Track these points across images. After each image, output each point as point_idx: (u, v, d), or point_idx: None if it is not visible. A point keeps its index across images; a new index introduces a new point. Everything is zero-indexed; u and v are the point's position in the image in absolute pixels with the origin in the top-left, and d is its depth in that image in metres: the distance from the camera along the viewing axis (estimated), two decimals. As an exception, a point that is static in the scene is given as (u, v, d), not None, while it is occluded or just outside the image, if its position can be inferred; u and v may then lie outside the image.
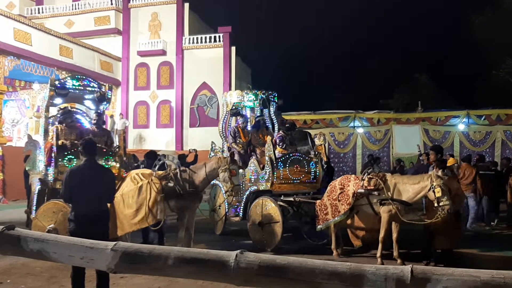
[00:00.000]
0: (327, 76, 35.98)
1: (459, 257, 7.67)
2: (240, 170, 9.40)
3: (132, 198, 7.69)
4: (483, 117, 19.80)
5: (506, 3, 24.04)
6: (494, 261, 7.56)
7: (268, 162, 8.82)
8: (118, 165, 8.32)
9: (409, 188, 7.16)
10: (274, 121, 10.80)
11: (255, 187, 9.09)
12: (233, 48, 25.85)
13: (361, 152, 20.70)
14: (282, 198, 8.81)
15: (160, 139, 25.40)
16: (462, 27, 27.45)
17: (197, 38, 26.13)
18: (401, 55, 31.03)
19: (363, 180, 7.64)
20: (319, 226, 8.16)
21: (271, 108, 10.70)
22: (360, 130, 21.02)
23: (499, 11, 24.61)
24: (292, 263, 2.25)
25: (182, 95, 25.92)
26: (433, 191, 6.75)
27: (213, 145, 10.55)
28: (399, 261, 7.18)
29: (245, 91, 10.45)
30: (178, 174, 7.86)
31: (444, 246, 7.37)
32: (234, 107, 10.55)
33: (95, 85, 8.97)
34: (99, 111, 9.15)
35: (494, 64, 25.37)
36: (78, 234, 4.82)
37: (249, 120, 10.71)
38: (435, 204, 6.75)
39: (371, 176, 7.60)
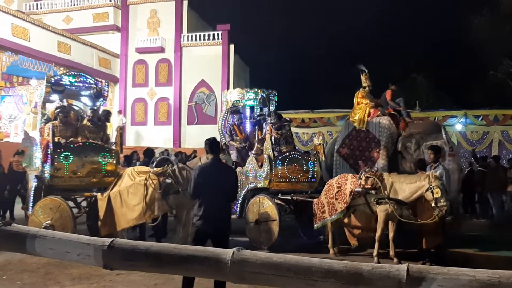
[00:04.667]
0: (325, 74, 35.99)
1: (454, 257, 7.72)
2: (238, 168, 9.42)
3: (129, 194, 7.73)
4: (481, 117, 19.84)
5: (504, 4, 24.08)
6: (489, 262, 7.58)
7: (267, 160, 8.83)
8: (114, 161, 8.33)
9: (405, 187, 7.17)
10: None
11: (253, 185, 9.09)
12: (232, 46, 25.84)
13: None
14: (279, 196, 8.83)
15: (158, 137, 25.37)
16: (460, 28, 27.46)
17: (195, 35, 26.10)
18: (399, 55, 31.03)
19: (361, 179, 7.66)
20: (316, 225, 8.17)
21: (271, 107, 10.69)
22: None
23: (497, 12, 24.65)
24: (289, 261, 2.25)
25: (180, 92, 25.90)
26: (432, 192, 6.77)
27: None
28: (395, 260, 7.20)
29: (245, 89, 10.46)
30: (176, 170, 7.87)
31: (435, 244, 7.39)
32: (234, 105, 10.54)
33: (92, 82, 8.96)
34: (95, 107, 9.15)
35: (491, 64, 25.42)
36: (203, 230, 5.03)
37: (247, 118, 10.70)
38: (433, 205, 6.76)
39: (369, 175, 7.61)
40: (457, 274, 2.13)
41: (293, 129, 19.44)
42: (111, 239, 2.45)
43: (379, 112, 9.96)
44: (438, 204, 6.69)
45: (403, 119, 9.80)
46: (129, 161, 10.08)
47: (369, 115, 9.98)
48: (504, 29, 24.03)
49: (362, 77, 10.30)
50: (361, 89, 10.36)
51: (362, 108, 10.10)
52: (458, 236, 9.22)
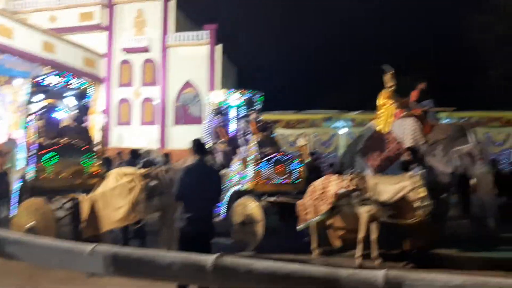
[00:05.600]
0: (313, 76, 36.07)
1: (437, 257, 7.83)
2: (223, 170, 9.44)
3: (114, 196, 7.67)
4: (464, 119, 20.10)
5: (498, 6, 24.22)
6: (470, 262, 7.69)
7: (251, 162, 8.86)
8: (98, 162, 8.29)
9: (389, 188, 7.27)
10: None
11: (238, 187, 9.11)
12: (219, 46, 25.80)
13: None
14: (264, 198, 8.86)
15: (143, 137, 25.20)
16: (449, 30, 27.71)
17: (182, 35, 26.02)
18: (388, 56, 31.25)
19: (344, 180, 7.73)
20: (300, 226, 8.22)
21: (256, 108, 10.72)
22: (343, 131, 21.19)
23: (491, 15, 24.80)
24: (269, 267, 2.28)
25: (166, 92, 25.79)
26: (416, 192, 6.86)
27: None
28: (378, 261, 7.29)
29: (231, 91, 10.48)
30: (162, 172, 7.85)
31: (418, 245, 7.49)
32: (219, 107, 10.55)
33: (77, 82, 8.89)
34: (79, 107, 9.08)
35: (483, 67, 25.60)
36: (187, 233, 5.01)
37: (232, 119, 10.71)
38: (417, 205, 6.85)
39: (352, 177, 7.69)
40: (434, 279, 2.17)
41: (280, 130, 19.62)
42: (93, 245, 2.45)
43: (404, 113, 9.65)
44: (423, 204, 6.79)
45: (428, 122, 9.47)
46: (108, 163, 9.68)
47: (394, 116, 9.70)
48: (499, 30, 24.16)
49: (387, 77, 9.90)
50: (385, 89, 9.99)
51: (387, 109, 9.77)
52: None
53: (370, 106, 26.74)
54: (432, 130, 9.23)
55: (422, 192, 6.78)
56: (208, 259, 2.31)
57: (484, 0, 24.31)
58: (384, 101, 9.87)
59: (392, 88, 9.81)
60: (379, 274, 2.18)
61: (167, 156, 11.83)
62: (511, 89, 23.13)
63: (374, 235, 7.43)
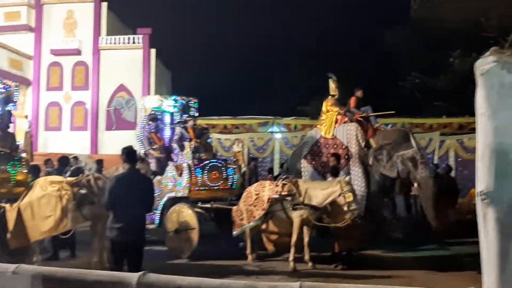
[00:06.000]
0: (248, 81, 36.46)
1: (366, 258, 8.23)
2: (158, 177, 9.34)
3: (41, 205, 7.38)
4: (390, 125, 21.11)
5: (413, 19, 25.73)
6: (396, 262, 8.14)
7: (186, 169, 8.83)
8: (25, 170, 7.93)
9: (319, 193, 7.52)
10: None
11: (172, 194, 9.05)
12: (153, 50, 25.41)
13: (279, 157, 21.21)
14: (199, 204, 8.86)
15: (73, 143, 24.23)
16: (375, 40, 29.01)
17: (115, 38, 25.34)
18: (319, 63, 32.18)
19: (277, 185, 7.92)
20: (235, 232, 8.31)
21: (191, 114, 10.69)
22: (278, 136, 21.58)
23: (408, 26, 26.31)
24: (192, 283, 2.32)
25: (98, 96, 24.98)
26: (344, 196, 7.16)
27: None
28: (310, 264, 7.54)
29: (165, 96, 10.38)
30: (92, 180, 7.64)
31: (347, 247, 7.81)
32: (153, 112, 10.42)
33: (0, 85, 8.46)
34: (3, 113, 8.62)
35: (401, 75, 27.03)
36: (118, 243, 4.83)
37: (166, 125, 10.61)
38: (345, 209, 7.15)
39: (285, 182, 7.89)
40: None
41: (216, 135, 19.66)
42: (15, 265, 2.37)
43: (346, 119, 9.79)
44: (350, 208, 7.10)
45: (371, 126, 9.64)
46: (36, 171, 9.06)
47: (336, 121, 9.85)
48: (414, 42, 25.70)
49: (331, 85, 10.07)
50: (329, 96, 10.16)
51: (329, 116, 9.92)
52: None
53: (299, 111, 27.54)
54: (376, 135, 9.45)
55: (349, 197, 7.09)
56: (133, 276, 2.32)
57: (401, 13, 25.85)
58: (328, 108, 10.04)
59: (336, 96, 10.03)
60: (295, 285, 2.27)
61: (99, 163, 11.50)
62: (425, 100, 24.81)
63: (306, 239, 7.67)
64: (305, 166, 9.92)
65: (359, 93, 10.28)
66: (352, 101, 10.18)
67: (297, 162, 10.26)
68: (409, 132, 9.31)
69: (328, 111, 10.05)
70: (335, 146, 9.64)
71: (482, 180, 3.33)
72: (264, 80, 35.07)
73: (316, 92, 30.77)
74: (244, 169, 10.51)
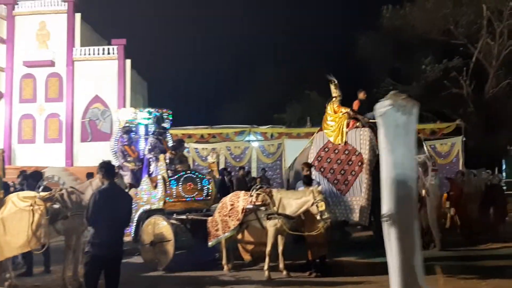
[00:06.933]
0: (224, 90, 36.62)
1: (338, 265, 8.38)
2: (133, 189, 9.33)
3: (14, 221, 7.31)
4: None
5: (384, 26, 26.27)
6: (366, 268, 8.30)
7: (161, 181, 8.85)
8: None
9: (293, 202, 7.65)
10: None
11: (148, 206, 9.05)
12: (128, 61, 25.32)
13: (256, 165, 21.31)
14: (175, 216, 8.89)
15: (48, 155, 23.89)
16: (349, 47, 29.48)
17: (89, 49, 25.18)
18: (295, 71, 32.50)
19: (252, 196, 8.01)
20: (210, 242, 8.35)
21: (165, 126, 10.71)
22: (255, 144, 21.69)
23: (381, 34, 26.83)
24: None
25: (72, 108, 24.72)
26: (317, 206, 7.29)
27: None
28: (284, 272, 7.64)
29: (139, 109, 10.39)
30: (65, 195, 7.61)
31: (320, 255, 7.94)
32: (126, 125, 10.41)
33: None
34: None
35: (375, 82, 27.51)
36: (97, 258, 4.94)
37: (141, 137, 10.61)
38: (318, 217, 7.28)
39: (259, 192, 8.00)
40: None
41: (193, 145, 19.68)
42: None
43: (357, 123, 9.43)
44: (323, 217, 7.24)
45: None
46: (7, 186, 8.86)
47: (347, 126, 9.42)
48: (386, 49, 26.20)
49: (332, 87, 9.73)
50: (333, 99, 9.75)
51: (338, 121, 9.49)
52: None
53: (276, 119, 27.77)
54: None
55: (322, 206, 7.23)
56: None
57: (374, 21, 26.41)
58: (336, 109, 9.60)
59: (339, 97, 9.65)
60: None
61: (89, 176, 11.24)
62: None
63: (280, 248, 7.77)
64: (313, 174, 9.15)
65: (361, 95, 9.92)
66: (355, 104, 9.82)
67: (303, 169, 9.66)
68: (421, 137, 9.16)
69: (335, 112, 9.62)
70: (346, 152, 9.29)
71: (386, 204, 3.95)
72: (241, 88, 35.26)
73: (293, 99, 31.24)
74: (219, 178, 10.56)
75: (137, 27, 32.86)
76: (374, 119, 8.93)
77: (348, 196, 9.12)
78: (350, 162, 9.27)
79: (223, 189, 11.41)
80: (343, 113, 9.51)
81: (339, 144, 9.42)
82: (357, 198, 8.97)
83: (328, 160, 9.55)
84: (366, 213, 8.88)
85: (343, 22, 33.19)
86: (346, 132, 9.38)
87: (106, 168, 5.32)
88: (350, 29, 29.45)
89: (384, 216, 3.90)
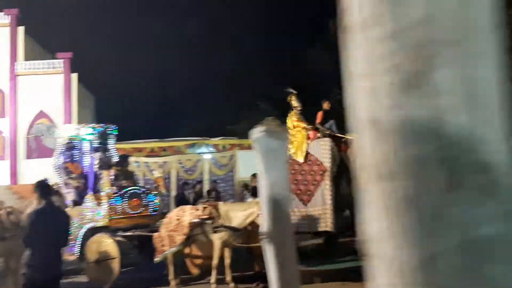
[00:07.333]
0: (176, 102, 36.37)
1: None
2: (77, 206, 9.15)
3: None
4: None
5: (329, 39, 27.03)
6: (310, 276, 8.45)
7: (105, 198, 8.72)
8: None
9: (239, 214, 7.74)
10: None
11: (92, 224, 8.88)
12: (74, 75, 24.73)
13: (208, 177, 21.28)
14: (120, 233, 8.77)
15: (-10, 173, 22.94)
16: (298, 58, 30.06)
17: (33, 63, 24.40)
18: (247, 82, 32.83)
19: (198, 209, 8.04)
20: (156, 258, 8.29)
21: (110, 142, 10.54)
22: (207, 156, 21.68)
23: (325, 45, 27.57)
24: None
25: (16, 124, 23.85)
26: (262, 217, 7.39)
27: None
28: (232, 285, 7.69)
29: (82, 125, 10.21)
30: (4, 215, 7.39)
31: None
32: (69, 141, 10.19)
33: None
34: None
35: (325, 93, 28.15)
36: (35, 280, 4.77)
37: (84, 154, 10.40)
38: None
39: (205, 205, 8.05)
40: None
41: (143, 159, 19.43)
42: None
43: (318, 134, 9.42)
44: None
45: (344, 141, 9.13)
46: None
47: (308, 138, 9.39)
48: (332, 60, 26.94)
49: (292, 98, 9.61)
50: (292, 111, 9.59)
51: (297, 134, 9.39)
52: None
53: (230, 131, 27.96)
54: (349, 149, 8.93)
55: None
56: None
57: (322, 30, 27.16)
58: (295, 123, 9.50)
59: (299, 108, 9.56)
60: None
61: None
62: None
63: (227, 260, 7.81)
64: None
65: (325, 105, 9.86)
66: (319, 115, 9.75)
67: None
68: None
69: (294, 127, 9.51)
70: (309, 162, 9.22)
71: (264, 223, 4.27)
72: (191, 101, 35.20)
73: (245, 110, 31.48)
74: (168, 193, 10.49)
75: (84, 40, 32.23)
76: (331, 129, 9.54)
77: (310, 206, 9.17)
78: (312, 173, 9.27)
79: (183, 203, 11.27)
80: (302, 128, 9.48)
81: (300, 158, 9.35)
82: (319, 208, 9.07)
83: (292, 171, 9.28)
84: (329, 221, 8.80)
85: (291, 33, 33.91)
86: (308, 144, 9.38)
87: (41, 188, 5.22)
88: (298, 40, 30.07)
89: (262, 234, 4.23)
